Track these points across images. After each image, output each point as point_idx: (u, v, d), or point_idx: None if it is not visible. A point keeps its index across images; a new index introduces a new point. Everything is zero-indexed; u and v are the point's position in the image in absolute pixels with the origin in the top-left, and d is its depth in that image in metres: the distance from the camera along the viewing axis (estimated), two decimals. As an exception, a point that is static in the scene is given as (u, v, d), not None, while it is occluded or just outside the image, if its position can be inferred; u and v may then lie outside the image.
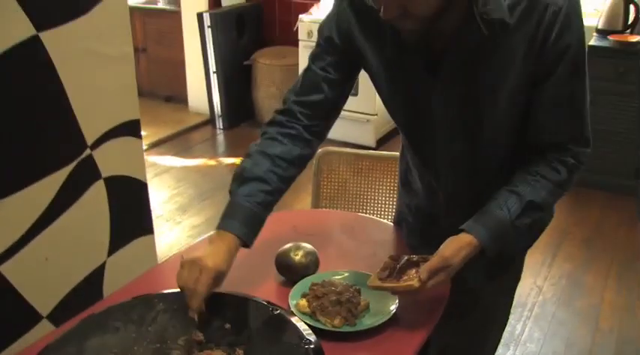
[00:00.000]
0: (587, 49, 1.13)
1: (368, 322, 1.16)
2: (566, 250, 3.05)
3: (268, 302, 1.13)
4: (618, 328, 2.47)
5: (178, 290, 1.13)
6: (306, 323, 1.09)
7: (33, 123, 1.63)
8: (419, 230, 1.47)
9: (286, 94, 1.29)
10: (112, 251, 1.99)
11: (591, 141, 1.19)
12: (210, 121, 4.77)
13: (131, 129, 1.97)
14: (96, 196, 1.89)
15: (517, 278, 1.52)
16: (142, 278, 1.44)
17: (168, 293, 1.15)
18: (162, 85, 5.25)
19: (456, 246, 1.12)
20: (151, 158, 4.12)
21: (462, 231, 1.14)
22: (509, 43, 1.07)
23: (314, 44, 1.31)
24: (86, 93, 1.77)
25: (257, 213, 1.17)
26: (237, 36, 4.64)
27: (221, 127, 4.72)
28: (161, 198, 3.55)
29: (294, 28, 4.30)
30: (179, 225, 3.25)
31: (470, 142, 1.20)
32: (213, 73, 4.56)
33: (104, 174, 1.89)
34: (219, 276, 1.10)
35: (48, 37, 1.60)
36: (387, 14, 1.00)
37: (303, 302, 1.18)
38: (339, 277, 1.27)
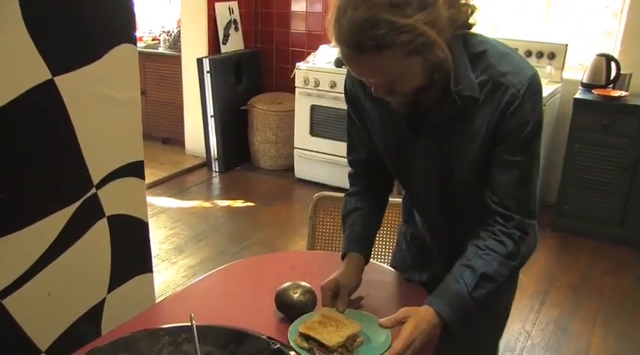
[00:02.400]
0: (541, 129, 1.28)
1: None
2: (553, 297, 3.11)
3: (268, 337, 1.18)
4: (605, 374, 2.52)
5: (183, 323, 1.19)
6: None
7: (44, 163, 1.70)
8: (411, 254, 1.67)
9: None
10: (111, 288, 2.03)
11: (536, 214, 1.32)
12: (207, 164, 4.86)
13: (135, 170, 2.04)
14: (99, 234, 1.94)
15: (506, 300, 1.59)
16: (141, 315, 1.49)
17: (174, 327, 1.21)
18: (160, 127, 5.35)
19: (416, 323, 1.21)
20: (147, 198, 4.16)
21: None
22: (477, 113, 1.26)
23: (310, 91, 1.49)
24: (95, 134, 1.85)
25: (361, 232, 1.52)
26: (235, 81, 4.78)
27: (217, 170, 4.80)
28: (157, 237, 3.59)
29: (291, 76, 4.45)
30: (175, 265, 3.29)
31: (444, 192, 1.39)
32: (211, 116, 4.67)
33: (108, 212, 1.95)
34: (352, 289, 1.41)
35: (62, 81, 1.69)
36: (378, 93, 1.22)
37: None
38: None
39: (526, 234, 1.29)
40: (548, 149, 3.98)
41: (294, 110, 4.49)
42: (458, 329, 1.25)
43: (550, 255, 3.59)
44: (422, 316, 1.22)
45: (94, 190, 1.89)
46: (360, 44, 1.11)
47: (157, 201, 4.16)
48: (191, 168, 4.83)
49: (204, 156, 4.88)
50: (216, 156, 4.78)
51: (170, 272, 3.21)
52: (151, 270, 2.21)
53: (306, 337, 1.26)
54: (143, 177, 2.09)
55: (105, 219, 1.95)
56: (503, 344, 2.68)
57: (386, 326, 1.23)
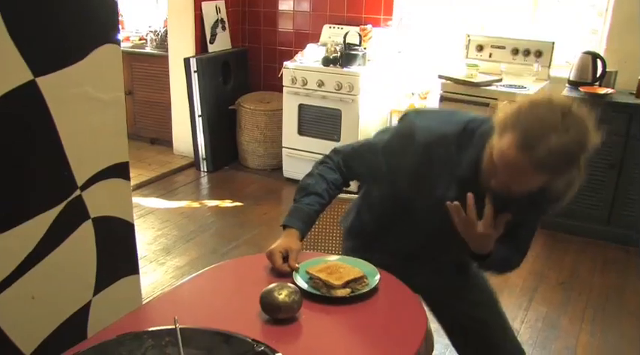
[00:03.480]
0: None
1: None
2: (542, 294, 3.12)
3: (253, 339, 1.17)
4: (593, 370, 2.53)
5: (168, 327, 1.18)
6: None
7: (26, 164, 1.68)
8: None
9: (342, 148, 1.78)
10: (97, 290, 2.01)
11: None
12: (195, 164, 4.83)
13: (120, 171, 2.02)
14: (84, 236, 1.92)
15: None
16: (126, 318, 1.48)
17: (157, 330, 1.19)
18: (147, 127, 5.32)
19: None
20: (135, 199, 4.14)
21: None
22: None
23: (298, 90, 1.60)
24: (78, 136, 1.83)
25: (313, 216, 1.70)
26: (223, 81, 4.76)
27: (205, 170, 4.78)
28: (145, 238, 3.57)
29: (279, 75, 4.43)
30: (163, 266, 3.27)
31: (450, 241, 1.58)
32: (199, 116, 4.65)
33: (92, 214, 1.93)
34: (299, 250, 1.61)
35: (44, 82, 1.67)
36: (498, 187, 1.39)
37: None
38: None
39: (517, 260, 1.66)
40: (536, 146, 3.99)
41: (282, 109, 4.48)
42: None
43: (538, 252, 3.60)
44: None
45: (78, 192, 1.87)
46: (550, 166, 1.28)
47: (144, 202, 4.13)
48: (179, 169, 4.80)
49: (193, 156, 4.85)
50: (204, 156, 4.76)
51: (158, 274, 3.19)
52: (137, 272, 2.19)
53: (312, 278, 1.49)
54: (128, 179, 2.08)
55: (90, 221, 1.94)
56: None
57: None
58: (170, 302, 1.57)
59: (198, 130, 4.70)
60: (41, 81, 1.66)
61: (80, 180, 1.87)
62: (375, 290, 1.49)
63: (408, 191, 1.60)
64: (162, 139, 5.24)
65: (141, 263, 3.27)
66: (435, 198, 1.51)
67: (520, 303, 3.02)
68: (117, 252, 2.09)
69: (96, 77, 1.86)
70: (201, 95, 4.58)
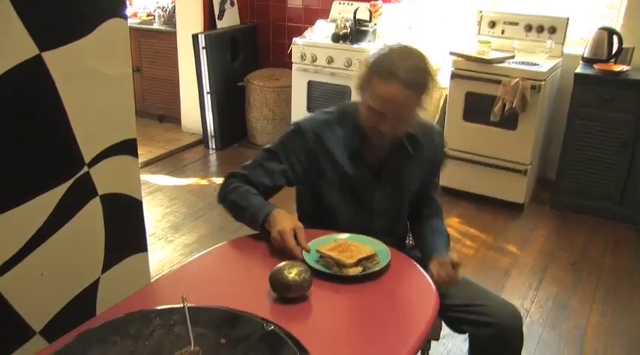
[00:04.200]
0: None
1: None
2: (552, 274, 3.10)
3: (263, 319, 1.16)
4: (603, 351, 2.51)
5: (176, 305, 1.16)
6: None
7: (32, 141, 1.66)
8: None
9: (238, 170, 1.83)
10: (106, 267, 2.01)
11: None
12: (203, 141, 4.81)
13: (128, 148, 2.00)
14: (92, 213, 1.91)
15: None
16: (135, 296, 1.47)
17: (166, 309, 1.18)
18: (156, 104, 5.29)
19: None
20: (143, 176, 4.14)
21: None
22: (421, 155, 1.76)
23: (307, 67, 1.65)
24: (85, 112, 1.80)
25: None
26: (232, 57, 4.71)
27: (213, 147, 4.76)
28: (154, 216, 3.57)
29: (288, 51, 4.38)
30: (171, 244, 3.27)
31: (394, 217, 1.82)
32: (207, 93, 4.61)
33: (100, 191, 1.92)
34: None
35: (50, 57, 1.64)
36: (384, 127, 1.60)
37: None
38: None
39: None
40: (548, 125, 3.94)
41: (291, 86, 4.44)
42: None
43: (549, 231, 3.57)
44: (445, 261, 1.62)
45: (85, 169, 1.86)
46: (416, 81, 1.54)
47: (153, 179, 4.12)
48: (187, 146, 4.78)
49: (201, 133, 4.83)
50: (212, 134, 4.73)
51: (166, 251, 3.19)
52: (145, 250, 2.19)
53: (323, 257, 1.49)
54: (136, 155, 2.06)
55: (98, 198, 1.92)
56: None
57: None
58: (179, 280, 1.56)
59: (206, 107, 4.67)
60: (47, 55, 1.63)
61: (88, 157, 1.85)
62: (386, 268, 1.47)
63: (314, 177, 1.75)
64: (171, 116, 5.21)
65: (149, 240, 3.26)
66: (339, 175, 1.72)
67: (530, 283, 3.00)
68: (125, 230, 2.08)
69: (103, 52, 1.83)
70: (210, 72, 4.53)
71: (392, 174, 1.77)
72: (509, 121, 3.60)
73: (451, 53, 3.74)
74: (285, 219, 1.60)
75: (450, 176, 3.92)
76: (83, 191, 1.87)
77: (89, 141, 1.84)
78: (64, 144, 1.77)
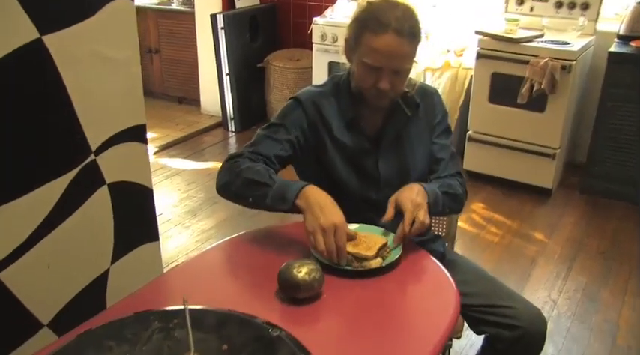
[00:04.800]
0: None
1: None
2: (581, 263, 2.97)
3: (268, 323, 1.08)
4: (636, 346, 2.38)
5: (176, 307, 1.09)
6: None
7: (35, 128, 1.59)
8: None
9: (241, 150, 1.66)
10: (115, 258, 1.95)
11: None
12: (223, 124, 4.74)
13: (136, 134, 1.93)
14: (100, 202, 1.85)
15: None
16: (147, 287, 1.41)
17: (165, 311, 1.11)
18: (175, 86, 5.23)
19: (404, 193, 1.50)
20: (161, 160, 4.10)
21: None
22: (419, 118, 1.69)
23: (328, 47, 1.58)
24: (91, 97, 1.73)
25: None
26: (251, 38, 4.61)
27: (233, 130, 4.68)
28: (171, 201, 3.52)
29: (308, 31, 4.26)
30: (188, 229, 3.21)
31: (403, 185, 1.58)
32: (226, 75, 4.53)
33: (108, 180, 1.86)
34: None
35: (51, 41, 1.56)
36: (383, 84, 1.51)
37: None
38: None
39: (464, 182, 1.71)
40: (579, 106, 3.78)
41: (311, 67, 4.32)
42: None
43: (578, 218, 3.43)
44: (403, 188, 1.52)
45: (92, 157, 1.79)
46: (409, 29, 1.47)
47: (171, 163, 4.07)
48: (206, 128, 4.71)
49: (220, 115, 4.76)
50: (231, 116, 4.66)
51: (183, 237, 3.14)
52: (157, 239, 2.13)
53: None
54: (146, 142, 1.99)
55: (105, 187, 1.86)
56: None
57: (387, 219, 1.47)
58: (186, 275, 1.48)
59: (225, 89, 4.59)
60: (48, 39, 1.56)
61: (94, 145, 1.79)
62: (399, 260, 1.39)
63: (316, 148, 1.65)
64: (190, 98, 5.15)
65: (166, 226, 3.24)
66: (339, 146, 1.64)
67: (558, 272, 2.88)
68: (135, 219, 2.02)
69: (108, 35, 1.75)
70: (229, 53, 4.44)
71: (392, 139, 1.67)
72: (537, 103, 3.44)
73: (477, 32, 3.59)
74: (332, 207, 1.38)
75: (474, 160, 3.79)
76: (90, 180, 1.80)
77: (95, 128, 1.77)
78: (68, 132, 1.70)
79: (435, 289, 1.38)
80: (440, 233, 1.91)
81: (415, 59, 1.56)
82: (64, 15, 1.61)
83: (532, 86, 3.36)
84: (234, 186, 1.51)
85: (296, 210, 1.42)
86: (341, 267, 1.33)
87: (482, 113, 3.67)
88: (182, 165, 4.05)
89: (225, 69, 4.52)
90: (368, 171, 1.66)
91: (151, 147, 4.26)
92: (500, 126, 3.63)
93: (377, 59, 1.49)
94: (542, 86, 3.30)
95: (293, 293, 1.22)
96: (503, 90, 3.54)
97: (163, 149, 4.29)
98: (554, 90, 3.34)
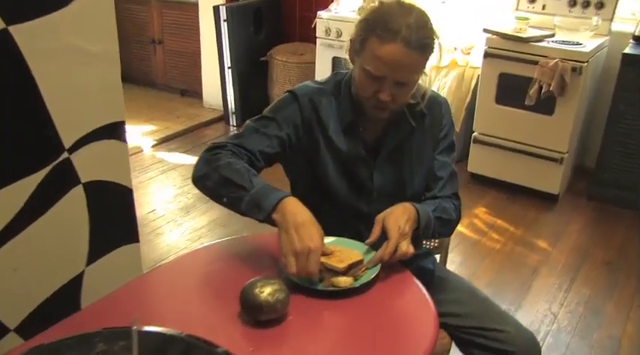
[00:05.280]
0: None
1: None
2: (586, 274, 2.84)
3: (225, 352, 0.98)
4: (639, 365, 2.27)
5: (123, 327, 1.00)
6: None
7: (1, 124, 1.51)
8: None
9: (224, 140, 1.52)
10: (91, 260, 1.87)
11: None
12: (224, 118, 4.65)
13: (115, 131, 1.84)
14: (74, 202, 1.76)
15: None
16: (125, 288, 1.33)
17: (111, 332, 1.02)
18: (178, 78, 5.15)
19: (393, 214, 1.38)
20: (158, 154, 4.02)
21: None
22: (423, 129, 1.55)
23: (332, 42, 1.47)
24: (63, 92, 1.64)
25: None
26: (255, 30, 4.50)
27: (234, 124, 4.59)
28: (165, 197, 3.44)
29: (312, 25, 4.15)
30: (180, 227, 3.13)
31: (396, 200, 1.47)
32: (228, 68, 4.43)
33: (84, 179, 1.77)
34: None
35: (19, 31, 1.48)
36: (384, 96, 1.38)
37: None
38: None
39: (460, 206, 1.60)
40: (589, 109, 3.64)
41: (315, 62, 4.21)
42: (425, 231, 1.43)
43: (584, 225, 3.30)
44: (394, 207, 1.40)
45: (65, 155, 1.70)
46: (419, 40, 1.33)
47: (168, 157, 3.98)
48: (208, 122, 4.62)
49: (222, 109, 4.66)
50: (233, 110, 4.56)
51: (174, 235, 3.06)
52: (136, 241, 2.04)
53: None
54: (125, 140, 1.89)
55: (81, 186, 1.77)
56: (526, 325, 2.44)
57: (371, 241, 1.35)
58: (150, 286, 1.37)
59: (227, 83, 4.49)
60: (15, 30, 1.47)
61: (68, 142, 1.70)
62: (376, 279, 1.29)
63: (309, 149, 1.52)
64: (193, 91, 5.06)
65: (158, 223, 3.16)
66: (332, 150, 1.51)
67: (560, 283, 2.76)
68: (113, 219, 1.93)
69: (83, 27, 1.66)
70: (231, 46, 4.34)
71: (391, 150, 1.53)
72: (545, 105, 3.31)
73: (485, 30, 3.46)
74: (310, 227, 1.25)
75: (479, 162, 3.67)
76: (63, 179, 1.72)
77: (69, 124, 1.69)
78: (38, 128, 1.62)
79: (412, 311, 1.27)
80: (431, 246, 1.80)
81: (425, 71, 1.43)
82: (34, 4, 1.52)
83: (540, 88, 3.23)
84: (211, 181, 1.37)
85: (271, 222, 1.30)
86: (313, 287, 1.23)
87: (489, 114, 3.54)
88: (180, 160, 3.96)
89: (227, 62, 4.42)
90: (361, 180, 1.53)
91: (149, 141, 4.18)
92: (507, 128, 3.51)
93: (379, 68, 1.35)
94: (551, 88, 3.17)
95: (255, 315, 1.12)
96: (511, 91, 3.41)
97: (162, 142, 4.20)
98: (564, 93, 3.21)
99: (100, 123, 1.79)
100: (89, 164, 1.77)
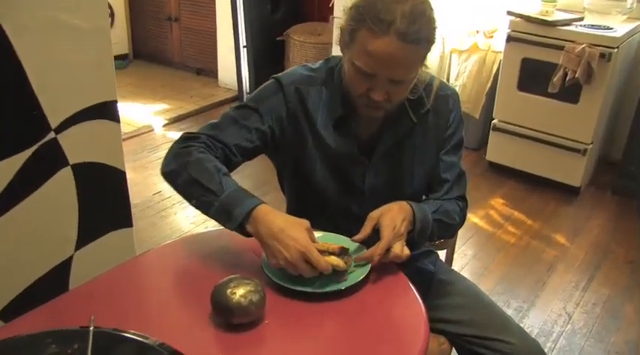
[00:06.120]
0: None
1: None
2: (605, 273, 2.70)
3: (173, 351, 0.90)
4: (656, 373, 2.15)
5: (81, 327, 0.92)
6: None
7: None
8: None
9: (199, 131, 1.38)
10: (80, 245, 1.80)
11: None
12: (238, 98, 4.56)
13: (106, 111, 1.76)
14: (61, 185, 1.69)
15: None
16: (117, 269, 1.28)
17: (65, 332, 0.94)
18: (193, 56, 5.06)
19: (389, 212, 1.27)
20: (169, 134, 3.95)
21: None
22: (427, 127, 1.40)
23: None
24: (50, 69, 1.56)
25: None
26: (272, 9, 4.38)
27: (248, 105, 4.49)
28: (172, 178, 3.36)
29: (330, 4, 4.01)
30: (185, 210, 3.05)
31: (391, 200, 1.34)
32: (244, 47, 4.33)
33: (72, 160, 1.70)
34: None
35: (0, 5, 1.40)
36: (377, 96, 1.24)
37: None
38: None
39: (465, 208, 1.48)
40: (617, 98, 3.46)
41: (331, 42, 4.08)
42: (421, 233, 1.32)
43: (606, 221, 3.15)
44: (390, 205, 1.29)
45: (52, 135, 1.63)
46: (416, 33, 1.16)
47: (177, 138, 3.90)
48: (221, 102, 4.53)
49: (237, 89, 4.57)
50: (248, 91, 4.46)
51: (179, 218, 2.99)
52: (130, 225, 1.97)
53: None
54: (117, 120, 1.81)
55: (69, 168, 1.70)
56: (538, 326, 2.34)
57: (360, 238, 1.26)
58: (114, 283, 1.25)
59: (242, 62, 4.39)
60: (-5, 3, 1.39)
61: (54, 122, 1.62)
62: (364, 281, 1.18)
63: (294, 143, 1.39)
64: (209, 70, 4.97)
65: (162, 204, 3.09)
66: (320, 146, 1.37)
67: (577, 282, 2.63)
68: (104, 203, 1.86)
69: (70, 2, 1.57)
70: (247, 24, 4.23)
71: (389, 148, 1.38)
72: (570, 93, 3.14)
73: (509, 12, 3.28)
74: (290, 230, 1.15)
75: (498, 151, 3.53)
76: (49, 160, 1.65)
77: (56, 103, 1.61)
78: (21, 106, 1.54)
79: (401, 316, 1.17)
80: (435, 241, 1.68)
81: (426, 64, 1.28)
82: (15, -24, 1.43)
83: (565, 74, 3.06)
84: (180, 179, 1.26)
85: (245, 233, 1.19)
86: (296, 288, 1.13)
87: (510, 101, 3.39)
88: (191, 140, 3.88)
89: (242, 41, 4.31)
90: (352, 180, 1.40)
91: (161, 120, 4.11)
92: (528, 116, 3.35)
93: (370, 65, 1.20)
94: (577, 75, 3.00)
95: (226, 318, 1.03)
96: (534, 77, 3.25)
97: (174, 122, 4.14)
98: (590, 81, 3.03)
99: (91, 103, 1.71)
100: (78, 145, 1.70)
